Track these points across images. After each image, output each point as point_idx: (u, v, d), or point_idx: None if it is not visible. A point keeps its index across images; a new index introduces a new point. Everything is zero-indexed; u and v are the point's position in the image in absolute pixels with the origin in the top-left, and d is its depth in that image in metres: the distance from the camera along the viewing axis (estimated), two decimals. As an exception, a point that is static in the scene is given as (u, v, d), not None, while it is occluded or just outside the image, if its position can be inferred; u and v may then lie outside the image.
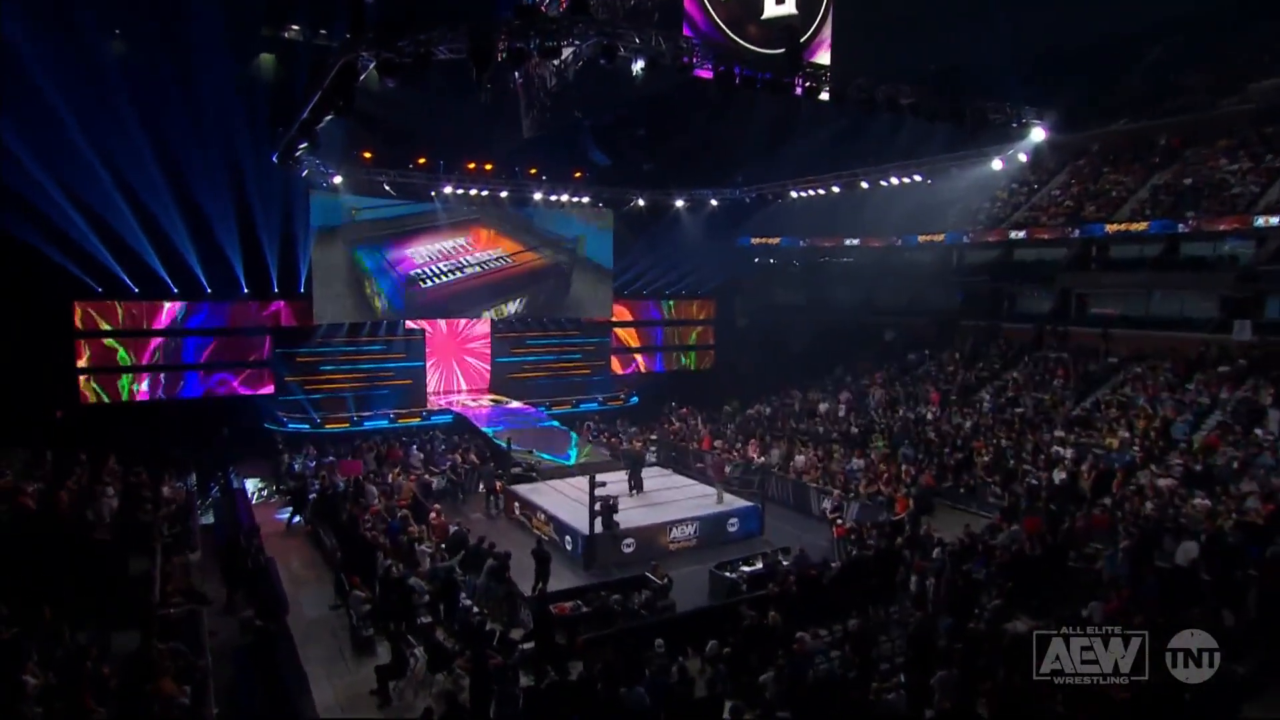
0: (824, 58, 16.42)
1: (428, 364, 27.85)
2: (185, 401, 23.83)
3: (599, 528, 15.36)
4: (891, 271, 31.05)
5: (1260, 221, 20.62)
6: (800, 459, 20.71)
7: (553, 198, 27.61)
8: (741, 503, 17.95)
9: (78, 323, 22.40)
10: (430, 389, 28.01)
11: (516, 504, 18.70)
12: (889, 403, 24.87)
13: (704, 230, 30.59)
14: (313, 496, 17.91)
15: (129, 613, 9.85)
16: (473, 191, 26.27)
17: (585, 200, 28.55)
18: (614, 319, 31.59)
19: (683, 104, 26.35)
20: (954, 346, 27.55)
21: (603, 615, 11.81)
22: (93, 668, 8.15)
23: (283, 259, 24.34)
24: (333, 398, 25.32)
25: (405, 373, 27.03)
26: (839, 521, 16.52)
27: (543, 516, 17.27)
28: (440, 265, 27.32)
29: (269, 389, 25.03)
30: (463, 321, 28.79)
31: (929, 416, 23.03)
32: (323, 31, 23.84)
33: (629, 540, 15.84)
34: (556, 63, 15.27)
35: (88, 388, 22.72)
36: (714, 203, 29.73)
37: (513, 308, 29.05)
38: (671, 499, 18.16)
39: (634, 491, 18.30)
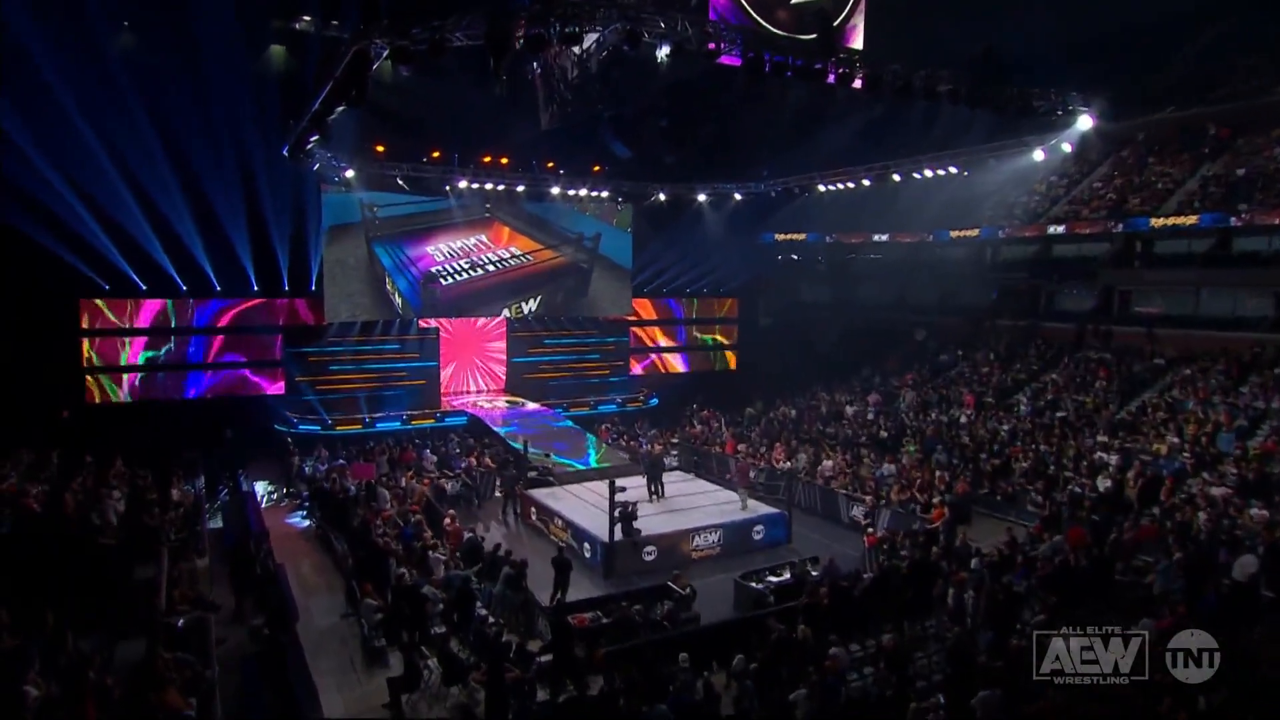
0: (856, 43, 16.18)
1: (442, 364, 27.86)
2: (193, 402, 24.01)
3: (619, 535, 15.20)
4: (922, 268, 30.73)
5: (1319, 215, 20.12)
6: (828, 464, 20.47)
7: (570, 192, 27.50)
8: (767, 509, 17.73)
9: (84, 321, 22.61)
10: (444, 390, 28.02)
11: (533, 509, 18.59)
12: (920, 405, 24.53)
13: (726, 226, 30.43)
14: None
15: (134, 620, 9.79)
16: (488, 185, 26.23)
17: (604, 194, 28.45)
18: (633, 318, 31.45)
19: (706, 94, 26.12)
20: (988, 346, 27.17)
21: (623, 627, 11.65)
22: (96, 678, 8.06)
23: (294, 256, 24.46)
24: (345, 398, 25.43)
25: (419, 373, 27.08)
26: (870, 530, 16.24)
27: (560, 522, 17.14)
28: (459, 263, 27.39)
29: (279, 389, 25.12)
30: (478, 320, 28.79)
31: (963, 420, 22.67)
32: (334, 22, 23.82)
33: (650, 548, 15.66)
34: (578, 51, 15.12)
35: (94, 387, 22.93)
36: (738, 197, 29.51)
37: (530, 306, 29.01)
38: (694, 505, 17.97)
39: (654, 497, 18.14)
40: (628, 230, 30.03)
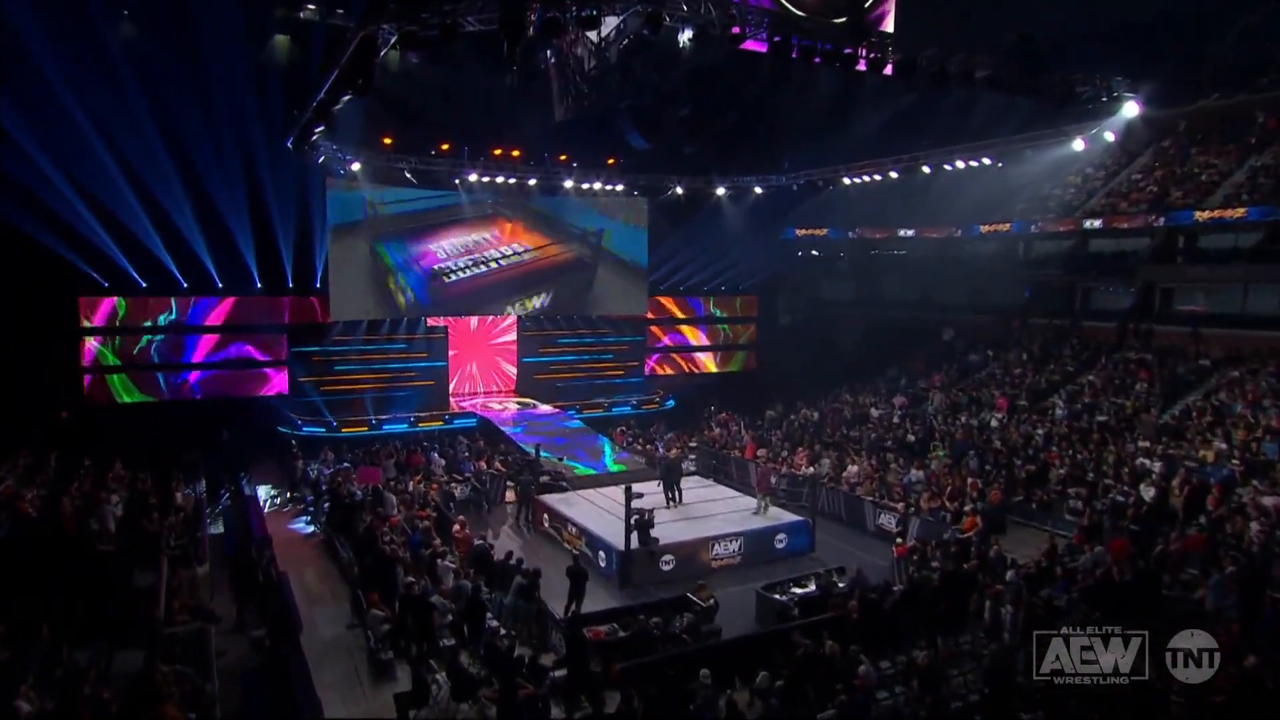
0: (887, 27, 15.92)
1: (450, 364, 27.80)
2: (194, 402, 24.05)
3: (635, 543, 15.03)
4: (950, 264, 30.39)
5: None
6: (853, 469, 20.22)
7: (584, 186, 27.36)
8: (790, 516, 17.51)
9: (83, 319, 22.68)
10: (453, 390, 27.94)
11: (546, 515, 18.45)
12: (949, 408, 24.20)
13: (746, 221, 30.20)
14: (326, 504, 17.82)
15: (132, 631, 9.76)
16: (499, 179, 26.14)
17: (619, 188, 28.29)
18: (648, 316, 31.29)
19: (727, 81, 25.87)
20: (1021, 346, 26.80)
21: (641, 640, 11.49)
22: (91, 692, 8.00)
23: (298, 253, 24.45)
24: (350, 399, 25.41)
25: (427, 373, 27.05)
26: (899, 540, 15.98)
27: (574, 529, 17.00)
28: (465, 259, 27.36)
29: (282, 389, 25.12)
30: (488, 319, 28.73)
31: (994, 424, 22.32)
32: (340, 11, 23.82)
33: (668, 557, 15.49)
34: (596, 40, 14.96)
35: (93, 387, 22.99)
36: (758, 190, 29.29)
37: (538, 302, 28.92)
38: (713, 512, 17.79)
39: (672, 503, 17.95)
40: (638, 226, 29.83)
